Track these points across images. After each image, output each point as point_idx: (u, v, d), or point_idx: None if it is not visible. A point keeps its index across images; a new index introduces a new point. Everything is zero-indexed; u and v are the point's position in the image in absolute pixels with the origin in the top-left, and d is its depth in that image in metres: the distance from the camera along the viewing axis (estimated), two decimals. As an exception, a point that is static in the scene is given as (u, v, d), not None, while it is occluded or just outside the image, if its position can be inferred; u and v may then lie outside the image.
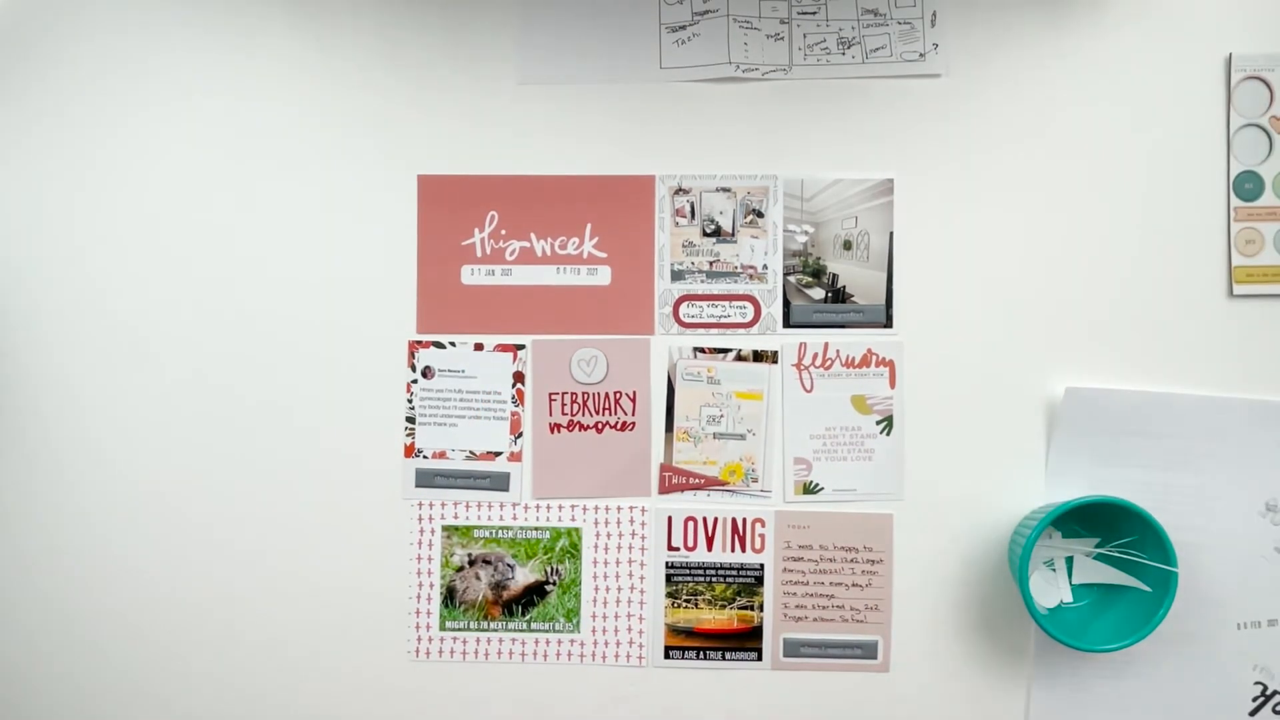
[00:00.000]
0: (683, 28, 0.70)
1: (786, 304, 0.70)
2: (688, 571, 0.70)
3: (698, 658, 0.70)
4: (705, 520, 0.70)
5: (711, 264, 0.70)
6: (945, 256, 0.69)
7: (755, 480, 0.70)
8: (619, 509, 0.70)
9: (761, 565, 0.70)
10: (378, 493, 0.70)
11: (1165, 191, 0.69)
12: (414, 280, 0.70)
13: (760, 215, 0.70)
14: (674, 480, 0.70)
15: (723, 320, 0.70)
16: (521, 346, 0.70)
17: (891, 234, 0.70)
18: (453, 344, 0.70)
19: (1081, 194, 0.69)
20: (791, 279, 0.70)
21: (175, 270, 0.70)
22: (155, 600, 0.70)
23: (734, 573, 0.70)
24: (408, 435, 0.70)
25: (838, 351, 0.70)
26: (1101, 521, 0.66)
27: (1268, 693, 0.68)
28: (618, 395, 0.70)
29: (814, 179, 0.70)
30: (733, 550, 0.70)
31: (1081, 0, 0.69)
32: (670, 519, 0.70)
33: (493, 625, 0.70)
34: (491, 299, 0.70)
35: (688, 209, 0.70)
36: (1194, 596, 0.66)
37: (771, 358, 0.70)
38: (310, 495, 0.70)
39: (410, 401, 0.70)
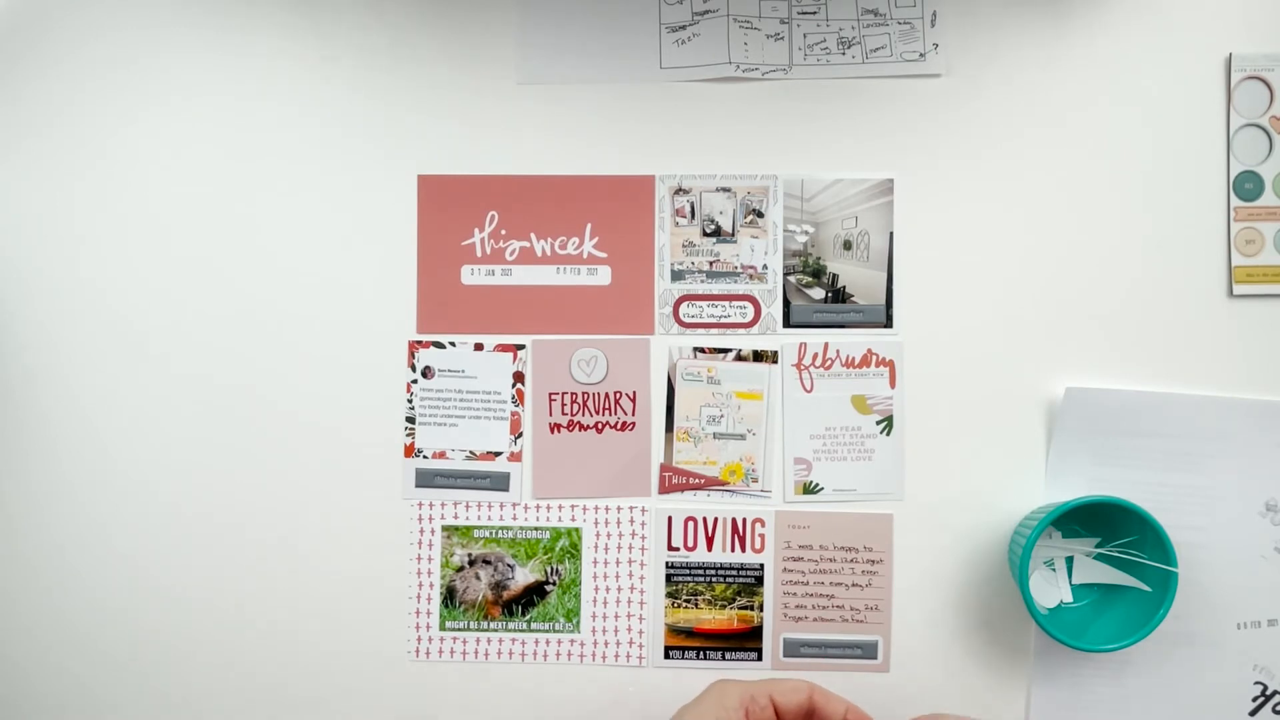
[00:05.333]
0: (683, 28, 0.70)
1: (786, 304, 0.70)
2: (688, 571, 0.70)
3: (698, 658, 0.70)
4: (705, 520, 0.70)
5: (711, 264, 0.70)
6: (945, 256, 0.69)
7: (755, 480, 0.70)
8: (619, 509, 0.70)
9: (761, 565, 0.70)
10: (378, 493, 0.70)
11: (1165, 191, 0.69)
12: (414, 280, 0.70)
13: (760, 215, 0.70)
14: (674, 480, 0.70)
15: (723, 320, 0.70)
16: (521, 346, 0.70)
17: (891, 234, 0.70)
18: (453, 344, 0.70)
19: (1081, 194, 0.69)
20: (791, 279, 0.70)
21: (175, 269, 0.71)
22: (154, 598, 0.70)
23: (734, 573, 0.70)
24: (408, 435, 0.70)
25: (838, 351, 0.70)
26: (1101, 521, 0.66)
27: (1268, 693, 0.68)
28: (618, 395, 0.70)
29: (814, 179, 0.70)
30: (733, 550, 0.70)
31: (1081, 0, 0.69)
32: (670, 519, 0.70)
33: (493, 625, 0.70)
34: (491, 299, 0.70)
35: (688, 209, 0.70)
36: (1194, 596, 0.66)
37: (771, 358, 0.70)
38: (310, 495, 0.70)
39: (410, 401, 0.70)
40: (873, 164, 0.70)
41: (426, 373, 0.70)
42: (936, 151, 0.69)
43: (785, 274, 0.70)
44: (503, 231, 0.70)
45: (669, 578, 0.70)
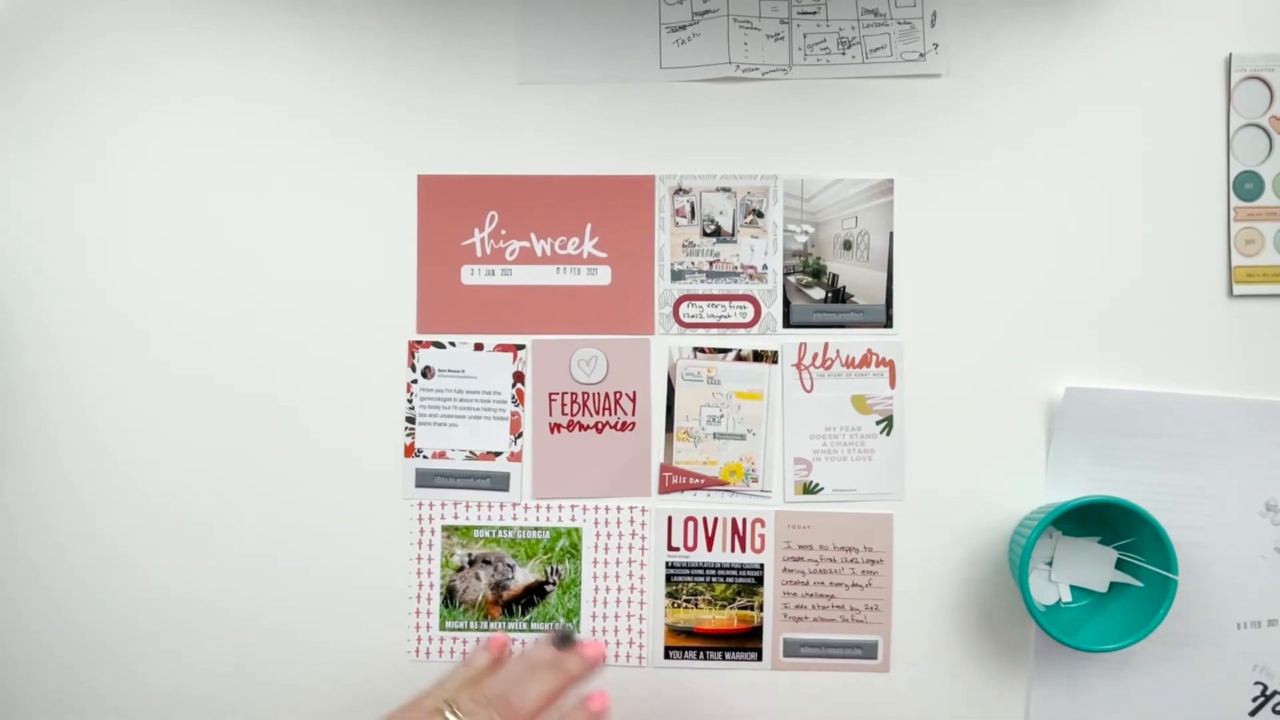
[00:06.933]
0: (683, 28, 0.70)
1: (786, 304, 0.70)
2: (688, 571, 0.70)
3: (698, 658, 0.70)
4: (705, 520, 0.70)
5: (711, 264, 0.70)
6: (945, 256, 0.69)
7: (755, 480, 0.70)
8: (619, 509, 0.70)
9: (761, 565, 0.70)
10: (378, 493, 0.70)
11: (1165, 191, 0.69)
12: (414, 280, 0.70)
13: (760, 215, 0.70)
14: (674, 480, 0.70)
15: (723, 320, 0.70)
16: (521, 346, 0.70)
17: (891, 234, 0.70)
18: (453, 344, 0.70)
19: (1081, 194, 0.69)
20: (791, 279, 0.70)
21: (175, 270, 0.70)
22: (154, 599, 0.70)
23: (734, 573, 0.70)
24: (408, 435, 0.70)
25: (838, 351, 0.70)
26: (1101, 521, 0.66)
27: (1268, 693, 0.68)
28: (618, 395, 0.70)
29: (814, 179, 0.70)
30: (733, 550, 0.70)
31: (1081, 0, 0.69)
32: (670, 519, 0.70)
33: (493, 625, 0.70)
34: (491, 299, 0.70)
35: (688, 209, 0.70)
36: (1194, 596, 0.66)
37: (771, 358, 0.70)
38: (310, 495, 0.70)
39: (410, 401, 0.70)
40: (873, 164, 0.70)
41: (426, 373, 0.70)
42: (936, 151, 0.69)
43: (785, 274, 0.70)
44: (503, 231, 0.70)
45: (669, 578, 0.70)
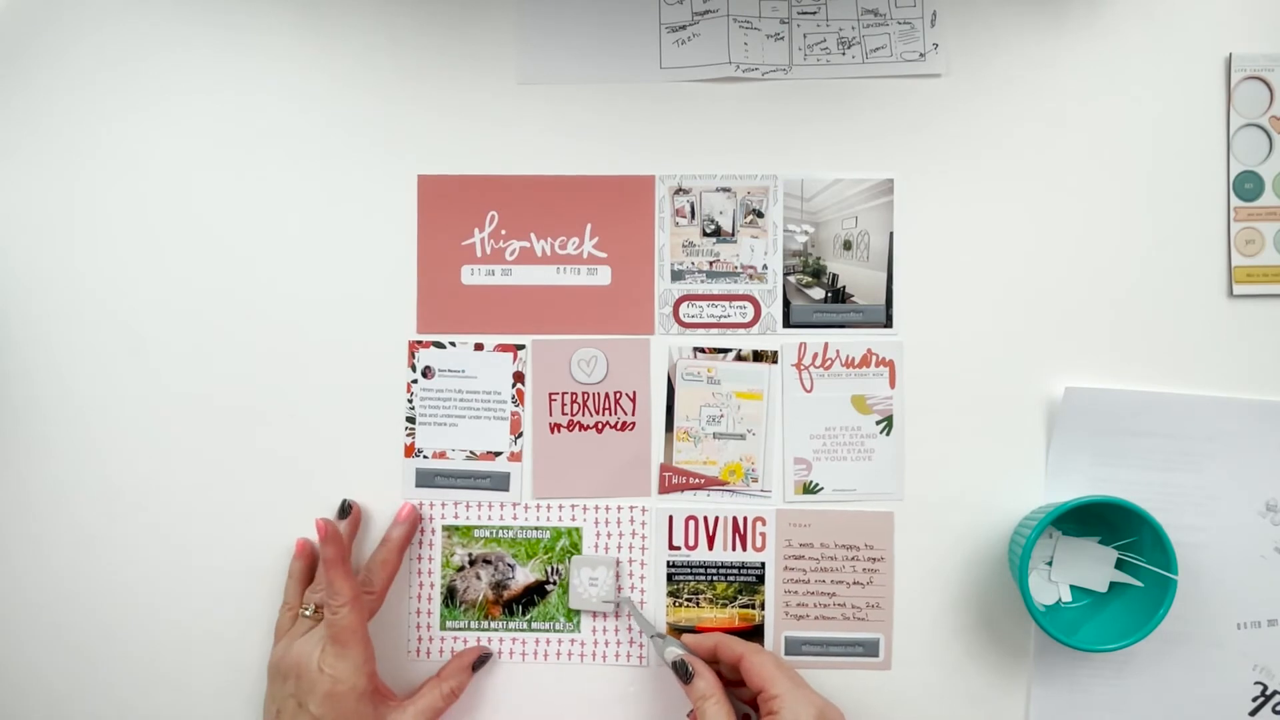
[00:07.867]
0: (683, 28, 0.70)
1: (786, 304, 0.70)
2: (689, 570, 0.70)
3: (698, 657, 0.70)
4: (706, 519, 0.70)
5: (711, 264, 0.70)
6: (945, 256, 0.69)
7: (755, 480, 0.70)
8: (619, 509, 0.70)
9: (762, 564, 0.70)
10: (378, 493, 0.70)
11: (1165, 191, 0.69)
12: (414, 280, 0.70)
13: (760, 215, 0.70)
14: (674, 480, 0.70)
15: (723, 320, 0.70)
16: (521, 346, 0.70)
17: (891, 234, 0.70)
18: (453, 344, 0.70)
19: (1081, 194, 0.69)
20: (791, 279, 0.70)
21: (173, 269, 0.70)
22: (153, 602, 0.70)
23: (735, 571, 0.70)
24: (408, 435, 0.70)
25: (838, 351, 0.70)
26: (1101, 521, 0.66)
27: (1268, 693, 0.68)
28: (618, 395, 0.70)
29: (814, 179, 0.70)
30: (734, 549, 0.70)
31: (1081, 0, 0.69)
32: (671, 518, 0.70)
33: (493, 625, 0.70)
34: (491, 299, 0.70)
35: (688, 209, 0.70)
36: (1194, 596, 0.67)
37: (771, 358, 0.70)
38: (310, 496, 0.70)
39: (410, 401, 0.70)
40: (873, 164, 0.70)
41: (426, 373, 0.70)
42: (936, 151, 0.69)
43: (785, 274, 0.70)
44: (503, 231, 0.70)
45: (670, 577, 0.70)
